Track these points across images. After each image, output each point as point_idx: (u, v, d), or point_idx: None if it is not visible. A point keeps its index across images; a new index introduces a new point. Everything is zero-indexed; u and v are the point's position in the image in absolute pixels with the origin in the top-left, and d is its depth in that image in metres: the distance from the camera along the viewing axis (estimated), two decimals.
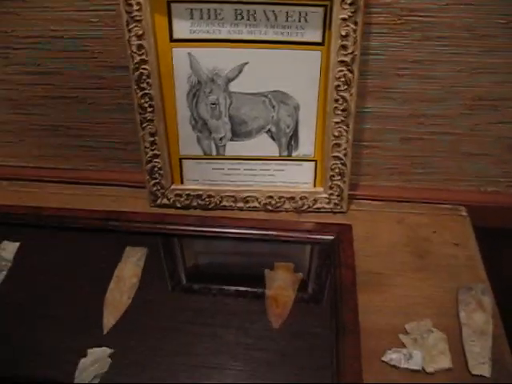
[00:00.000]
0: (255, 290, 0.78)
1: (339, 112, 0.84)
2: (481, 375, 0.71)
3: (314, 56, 0.83)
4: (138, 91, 0.84)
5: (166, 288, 0.80)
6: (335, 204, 0.92)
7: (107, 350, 0.72)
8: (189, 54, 0.83)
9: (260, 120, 0.88)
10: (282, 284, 0.79)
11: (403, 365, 0.72)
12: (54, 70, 0.91)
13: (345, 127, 0.85)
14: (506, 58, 0.82)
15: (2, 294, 0.80)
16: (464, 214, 0.94)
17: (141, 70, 0.83)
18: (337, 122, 0.85)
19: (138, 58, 0.82)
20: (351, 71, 0.80)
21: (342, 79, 0.81)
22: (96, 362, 0.70)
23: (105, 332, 0.74)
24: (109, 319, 0.75)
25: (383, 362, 0.73)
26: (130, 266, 0.82)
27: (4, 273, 0.83)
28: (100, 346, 0.73)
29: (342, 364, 0.67)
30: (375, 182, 0.96)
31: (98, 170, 1.01)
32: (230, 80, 0.85)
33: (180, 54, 0.83)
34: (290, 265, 0.82)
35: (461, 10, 0.79)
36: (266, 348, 0.72)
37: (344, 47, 0.79)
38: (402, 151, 0.92)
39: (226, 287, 0.80)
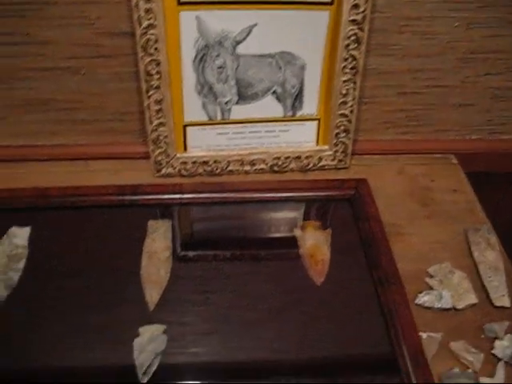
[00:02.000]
0: (290, 250, 0.80)
1: (348, 70, 0.85)
2: (502, 306, 0.78)
3: (322, 16, 0.83)
4: (146, 57, 0.81)
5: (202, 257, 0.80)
6: (339, 161, 0.94)
7: (160, 327, 0.70)
8: (196, 17, 0.81)
9: (266, 82, 0.88)
10: (314, 242, 0.80)
11: (436, 305, 0.77)
12: (44, 39, 0.85)
13: (352, 85, 0.87)
14: (499, 12, 0.86)
15: (29, 283, 0.75)
16: (454, 161, 0.99)
17: (148, 36, 0.79)
18: (345, 81, 0.86)
19: (145, 23, 0.78)
20: (362, 30, 0.82)
21: (353, 38, 0.83)
22: (152, 340, 0.68)
23: (151, 309, 0.72)
24: (152, 295, 0.73)
25: (417, 304, 0.77)
26: (158, 240, 0.80)
27: (23, 260, 0.77)
28: (150, 323, 0.71)
29: (394, 312, 0.70)
30: (372, 137, 0.99)
31: (90, 145, 0.96)
32: (237, 43, 0.84)
33: (187, 17, 0.81)
34: (317, 222, 0.83)
35: None
36: (314, 304, 0.74)
37: (356, 6, 0.80)
38: (398, 105, 0.96)
39: (258, 251, 0.81)
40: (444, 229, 0.88)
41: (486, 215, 0.90)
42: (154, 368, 0.66)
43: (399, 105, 0.96)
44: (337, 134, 0.91)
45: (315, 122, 0.93)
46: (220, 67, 0.85)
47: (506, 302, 0.78)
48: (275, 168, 0.94)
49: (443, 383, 0.68)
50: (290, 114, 0.91)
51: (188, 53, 0.84)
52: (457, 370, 0.70)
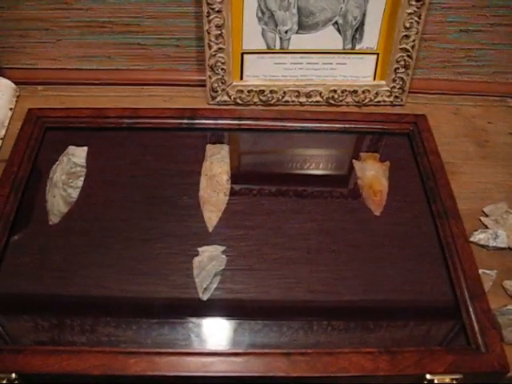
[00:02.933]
0: (348, 182, 0.80)
1: (414, 2, 0.83)
2: None
3: None
4: None
5: (259, 184, 0.80)
6: (395, 97, 0.93)
7: (219, 248, 0.71)
8: None
9: (328, 11, 0.86)
10: (373, 173, 0.80)
11: (491, 243, 0.77)
12: None
13: (417, 18, 0.85)
14: None
15: (87, 200, 0.76)
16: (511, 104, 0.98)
17: None
18: (410, 13, 0.84)
19: None
20: None
21: None
22: (212, 259, 0.69)
23: (210, 230, 0.73)
24: (211, 218, 0.74)
25: (472, 242, 0.77)
26: (217, 164, 0.80)
27: (82, 178, 0.78)
28: (209, 244, 0.72)
29: (453, 245, 0.70)
30: (428, 75, 0.97)
31: (144, 70, 0.95)
32: None
33: None
34: (376, 155, 0.83)
35: None
36: (372, 235, 0.74)
37: None
38: (459, 43, 0.93)
39: (317, 178, 0.81)
40: (499, 170, 0.87)
41: None
42: (214, 286, 0.67)
43: (460, 43, 0.93)
44: (396, 69, 0.89)
45: (374, 56, 0.91)
46: None
47: None
48: (331, 101, 0.93)
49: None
50: (349, 46, 0.90)
51: None
52: (510, 307, 0.71)
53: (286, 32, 0.87)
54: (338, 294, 0.68)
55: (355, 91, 0.92)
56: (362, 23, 0.88)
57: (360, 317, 0.66)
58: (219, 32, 0.84)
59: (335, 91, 0.92)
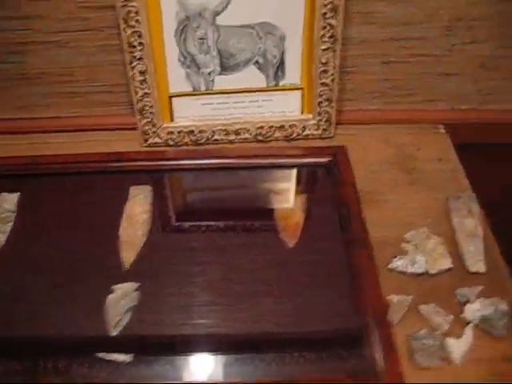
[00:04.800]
0: (266, 213, 0.82)
1: (326, 39, 0.86)
2: (477, 272, 0.78)
3: None
4: (127, 29, 0.84)
5: (178, 221, 0.82)
6: (324, 130, 0.95)
7: (133, 284, 0.74)
8: None
9: (247, 52, 0.90)
10: (290, 206, 0.82)
11: (409, 270, 0.78)
12: (33, 14, 0.88)
13: (332, 54, 0.87)
14: None
15: (14, 244, 0.80)
16: (442, 131, 0.99)
17: (129, 8, 0.82)
18: (324, 49, 0.87)
19: None
20: None
21: (329, 6, 0.83)
22: (125, 295, 0.72)
23: (126, 268, 0.76)
24: (127, 255, 0.77)
25: (390, 269, 0.78)
26: (138, 204, 0.83)
27: (10, 223, 0.82)
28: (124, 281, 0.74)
29: (361, 273, 0.72)
30: (359, 107, 1.00)
31: (82, 116, 0.99)
32: (217, 13, 0.85)
33: None
34: (295, 188, 0.85)
35: None
36: (285, 265, 0.76)
37: None
38: (383, 75, 0.96)
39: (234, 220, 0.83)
40: (425, 196, 0.88)
41: (470, 184, 0.90)
42: (124, 322, 0.70)
43: (384, 74, 0.96)
44: (319, 102, 0.92)
45: (299, 92, 0.94)
46: (201, 38, 0.87)
47: (480, 268, 0.78)
48: (259, 137, 0.95)
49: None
50: (272, 83, 0.93)
51: (169, 24, 0.86)
52: (424, 331, 0.71)
53: (210, 74, 0.91)
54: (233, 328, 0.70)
55: (282, 126, 0.94)
56: (282, 61, 0.91)
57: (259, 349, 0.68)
58: (143, 78, 0.88)
59: (262, 127, 0.94)
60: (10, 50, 0.92)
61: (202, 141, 0.95)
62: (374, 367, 0.64)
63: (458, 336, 0.71)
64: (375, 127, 0.99)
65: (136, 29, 0.84)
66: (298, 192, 0.84)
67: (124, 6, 0.82)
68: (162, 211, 0.83)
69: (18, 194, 0.86)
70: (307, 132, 0.95)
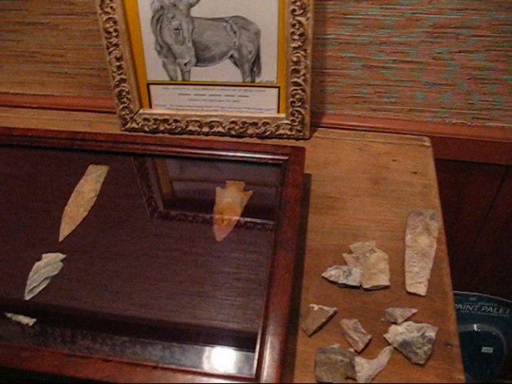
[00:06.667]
0: (208, 205, 0.82)
1: (296, 37, 0.84)
2: (415, 293, 0.74)
3: None
4: (103, 15, 0.86)
5: (123, 204, 0.84)
6: (297, 131, 0.93)
7: (60, 255, 0.77)
8: None
9: (222, 46, 0.89)
10: (230, 200, 0.81)
11: (341, 280, 0.75)
12: None
13: (303, 52, 0.85)
14: None
15: None
16: (427, 144, 0.94)
17: None
18: (295, 48, 0.85)
19: None
20: None
21: (298, 3, 0.81)
22: (48, 264, 0.75)
23: (60, 240, 0.79)
24: (65, 229, 0.80)
25: (323, 278, 0.76)
26: (90, 182, 0.86)
27: None
28: (55, 252, 0.77)
29: (274, 275, 0.69)
30: (340, 111, 0.97)
31: (74, 97, 1.04)
32: (191, 5, 0.86)
33: None
34: (241, 183, 0.84)
35: None
36: (206, 259, 0.76)
37: None
38: (364, 79, 0.92)
39: (183, 209, 0.84)
40: (386, 209, 0.84)
41: (440, 202, 0.85)
42: (40, 288, 0.73)
43: (366, 79, 0.92)
44: (292, 102, 0.90)
45: (275, 90, 0.92)
46: (176, 29, 0.88)
47: (420, 290, 0.74)
48: (232, 132, 0.95)
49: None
50: (248, 79, 0.92)
51: (145, 13, 0.88)
52: (336, 346, 0.69)
53: (186, 65, 0.91)
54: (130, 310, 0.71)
55: (255, 123, 0.93)
56: (258, 57, 0.90)
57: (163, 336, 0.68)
58: (119, 63, 0.91)
59: (235, 123, 0.94)
60: (8, 29, 0.97)
61: (177, 131, 0.96)
62: (256, 372, 0.62)
63: (372, 357, 0.67)
64: (355, 133, 0.96)
65: (111, 15, 0.86)
66: (244, 188, 0.83)
67: None
68: (110, 192, 0.85)
69: None
70: (280, 131, 0.94)
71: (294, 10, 0.82)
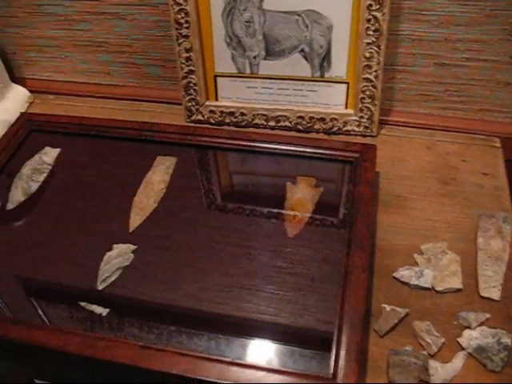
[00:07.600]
0: (279, 201, 0.82)
1: (371, 32, 0.83)
2: (489, 298, 0.72)
3: None
4: (175, 6, 0.86)
5: (192, 196, 0.84)
6: (365, 127, 0.92)
7: (131, 246, 0.77)
8: None
9: (293, 39, 0.89)
10: (301, 196, 0.81)
11: (413, 282, 0.74)
12: None
13: (376, 48, 0.84)
14: None
15: (42, 194, 0.86)
16: (497, 145, 0.92)
17: None
18: (368, 43, 0.84)
19: None
20: None
21: None
22: (120, 255, 0.75)
23: (130, 230, 0.79)
24: (135, 220, 0.80)
25: (394, 278, 0.75)
26: (159, 173, 0.86)
27: (44, 175, 0.89)
28: (125, 242, 0.78)
29: (350, 275, 0.69)
30: (408, 108, 0.95)
31: (138, 86, 1.05)
32: None
33: None
34: (312, 179, 0.83)
35: None
36: (279, 254, 0.75)
37: None
38: (436, 77, 0.90)
39: (252, 203, 0.83)
40: (456, 210, 0.83)
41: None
42: (112, 279, 0.74)
43: (437, 77, 0.90)
44: (362, 98, 0.89)
45: (344, 85, 0.91)
46: (247, 21, 0.88)
47: (493, 294, 0.73)
48: (299, 127, 0.94)
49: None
50: (317, 74, 0.91)
51: (217, 5, 0.87)
52: (409, 348, 0.68)
53: (255, 58, 0.91)
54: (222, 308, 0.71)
55: (323, 119, 0.92)
56: (328, 52, 0.89)
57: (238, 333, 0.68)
58: (188, 55, 0.90)
59: (303, 117, 0.93)
60: (78, 19, 0.98)
61: (243, 124, 0.96)
62: (333, 371, 0.62)
63: (446, 361, 0.66)
64: (423, 132, 0.94)
65: (183, 7, 0.86)
66: (315, 185, 0.82)
67: None
68: (179, 184, 0.85)
69: (59, 149, 0.92)
70: (348, 128, 0.93)
71: (370, 5, 0.81)
